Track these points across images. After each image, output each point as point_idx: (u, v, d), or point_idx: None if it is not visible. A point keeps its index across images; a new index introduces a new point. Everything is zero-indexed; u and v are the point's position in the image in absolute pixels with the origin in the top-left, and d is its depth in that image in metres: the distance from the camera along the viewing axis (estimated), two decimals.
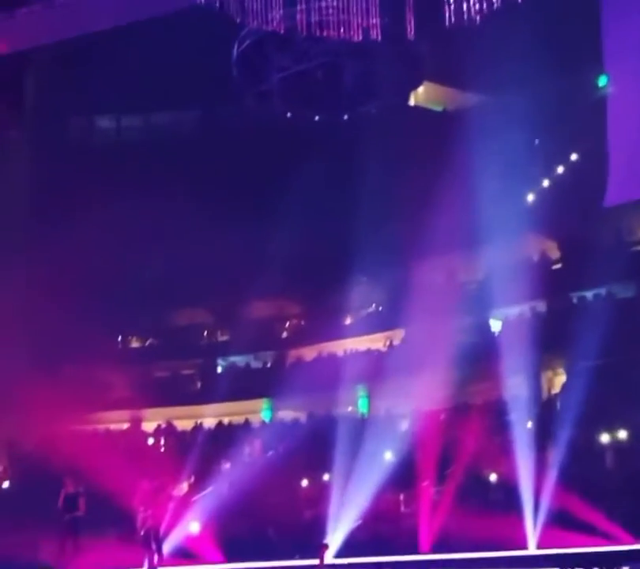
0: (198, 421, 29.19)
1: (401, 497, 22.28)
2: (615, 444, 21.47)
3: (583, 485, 20.04)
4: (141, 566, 17.02)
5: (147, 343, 33.87)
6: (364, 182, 27.93)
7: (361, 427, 24.25)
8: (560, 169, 30.43)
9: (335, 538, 20.54)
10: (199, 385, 31.55)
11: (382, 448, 23.01)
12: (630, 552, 17.53)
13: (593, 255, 24.91)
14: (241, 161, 31.56)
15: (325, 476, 23.38)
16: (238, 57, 30.84)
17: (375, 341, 29.48)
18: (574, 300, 26.27)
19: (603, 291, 25.74)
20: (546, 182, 30.38)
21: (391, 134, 29.75)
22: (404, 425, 25.29)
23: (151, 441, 29.22)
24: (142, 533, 16.83)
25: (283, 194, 28.60)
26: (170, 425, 29.65)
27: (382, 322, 29.38)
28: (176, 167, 30.94)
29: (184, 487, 24.69)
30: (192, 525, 21.83)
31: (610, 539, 18.59)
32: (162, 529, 17.49)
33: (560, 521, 19.01)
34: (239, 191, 31.08)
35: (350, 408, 27.91)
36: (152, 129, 35.01)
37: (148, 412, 30.43)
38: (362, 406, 28.22)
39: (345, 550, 20.06)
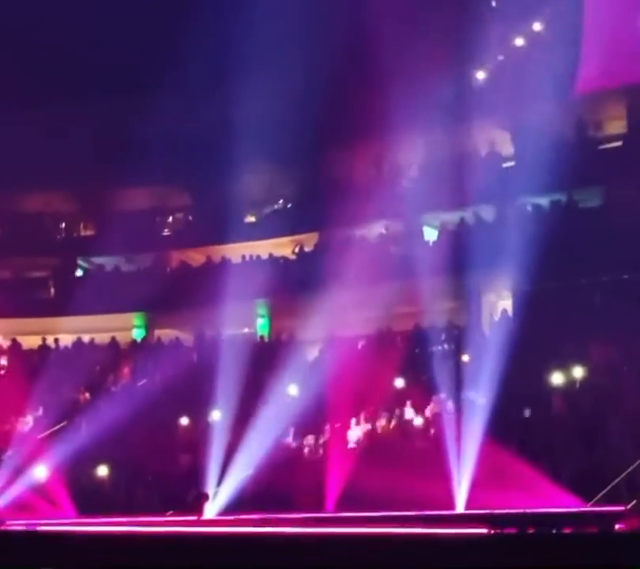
0: (50, 338, 29.01)
1: (305, 442, 22.11)
2: (567, 386, 21.55)
3: (524, 435, 20.13)
4: None
5: None
6: (271, 41, 26.92)
7: (259, 353, 24.43)
8: (519, 41, 29.91)
9: (220, 491, 20.43)
10: (52, 292, 31.25)
11: (284, 381, 23.00)
12: (571, 514, 17.63)
13: (553, 153, 24.70)
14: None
15: (212, 414, 23.23)
16: None
17: (281, 246, 29.20)
18: (528, 207, 26.04)
19: (562, 197, 25.65)
20: (500, 57, 29.93)
21: None
22: (314, 353, 25.38)
23: None
24: None
25: (167, 57, 27.64)
26: (13, 342, 29.29)
27: (290, 223, 29.17)
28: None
29: (29, 420, 24.66)
30: (38, 470, 21.75)
31: (551, 500, 18.75)
32: None
33: (493, 478, 19.08)
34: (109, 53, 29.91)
35: (246, 330, 27.94)
36: None
37: None
38: (261, 328, 28.31)
39: (232, 506, 19.99)
